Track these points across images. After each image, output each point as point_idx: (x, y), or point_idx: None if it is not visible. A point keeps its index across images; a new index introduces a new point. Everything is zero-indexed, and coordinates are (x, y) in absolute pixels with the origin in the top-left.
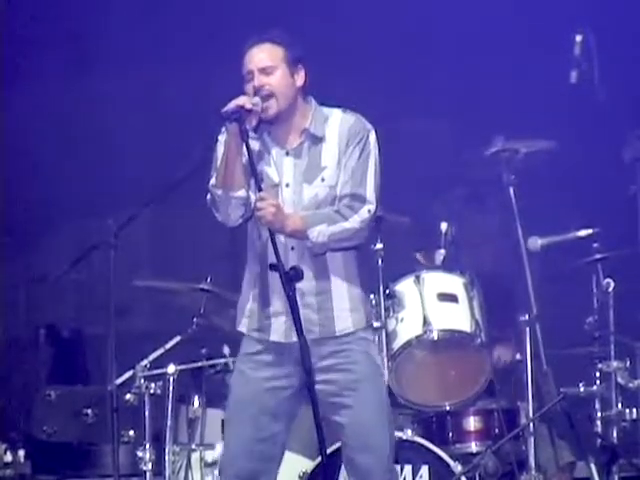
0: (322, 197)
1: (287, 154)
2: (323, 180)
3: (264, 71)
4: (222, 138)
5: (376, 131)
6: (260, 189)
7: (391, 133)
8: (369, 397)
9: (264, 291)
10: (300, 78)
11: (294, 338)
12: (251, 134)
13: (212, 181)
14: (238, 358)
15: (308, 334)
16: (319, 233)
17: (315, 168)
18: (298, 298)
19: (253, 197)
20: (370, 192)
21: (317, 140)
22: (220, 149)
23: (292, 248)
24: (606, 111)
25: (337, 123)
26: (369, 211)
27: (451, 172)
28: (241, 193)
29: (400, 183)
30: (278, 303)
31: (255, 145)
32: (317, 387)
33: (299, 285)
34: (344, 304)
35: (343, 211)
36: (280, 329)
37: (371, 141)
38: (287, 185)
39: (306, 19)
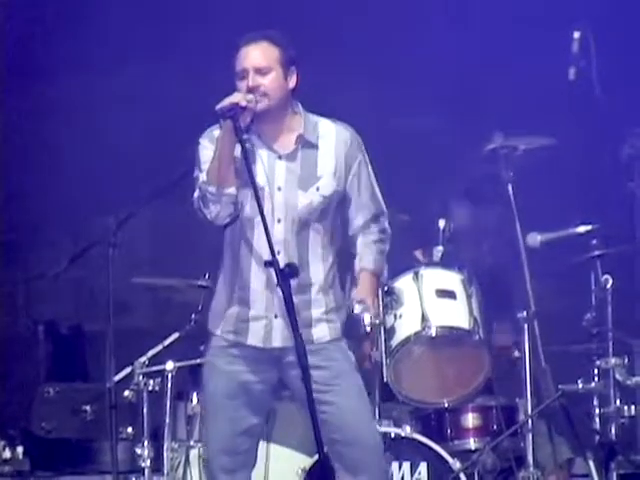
0: (315, 205)
1: (280, 158)
2: (318, 189)
3: (259, 71)
4: (204, 141)
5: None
6: (255, 185)
7: (390, 130)
8: (350, 392)
9: (245, 294)
10: (292, 80)
11: (274, 343)
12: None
13: (202, 178)
14: (209, 352)
15: (287, 341)
16: (386, 271)
17: (310, 176)
18: (279, 305)
19: (244, 196)
20: (383, 203)
21: (311, 147)
22: (204, 151)
23: (278, 252)
24: (604, 108)
25: (332, 134)
26: (388, 225)
27: (449, 169)
28: (232, 190)
29: (398, 180)
30: (259, 306)
31: None
32: (298, 384)
33: (279, 295)
34: (323, 313)
35: (384, 239)
36: (259, 333)
37: (365, 152)
38: (279, 189)
39: (306, 18)
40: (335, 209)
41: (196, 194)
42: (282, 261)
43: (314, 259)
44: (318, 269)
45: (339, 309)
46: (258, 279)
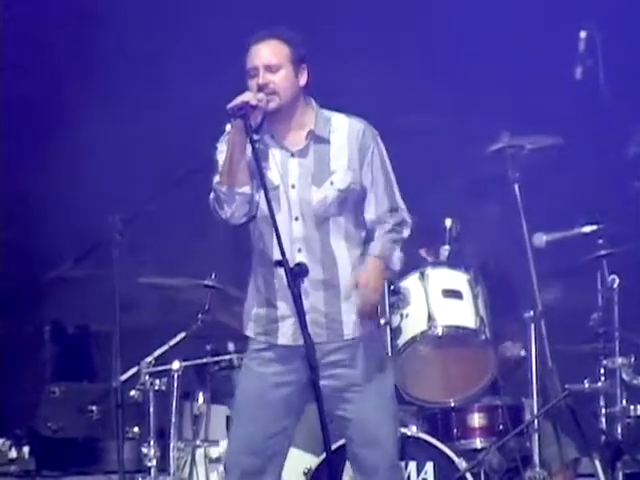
0: (330, 200)
1: (292, 155)
2: (332, 183)
3: (269, 69)
4: (221, 146)
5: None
6: (265, 184)
7: (396, 129)
8: (374, 393)
9: (270, 294)
10: (303, 78)
11: (302, 341)
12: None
13: (216, 179)
14: (246, 355)
15: (315, 337)
16: (398, 260)
17: (323, 171)
18: (306, 302)
19: (257, 196)
20: (400, 200)
21: (323, 142)
22: (220, 155)
23: (299, 250)
24: (611, 107)
25: (345, 128)
26: (408, 217)
27: (456, 168)
28: (245, 189)
29: (405, 179)
30: (285, 306)
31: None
32: (323, 382)
33: (308, 290)
34: (352, 308)
35: (397, 229)
36: (288, 332)
37: (381, 144)
38: (293, 186)
39: (309, 15)
40: (356, 201)
41: (211, 195)
42: (304, 259)
43: (339, 253)
44: (344, 262)
45: None
46: (281, 279)
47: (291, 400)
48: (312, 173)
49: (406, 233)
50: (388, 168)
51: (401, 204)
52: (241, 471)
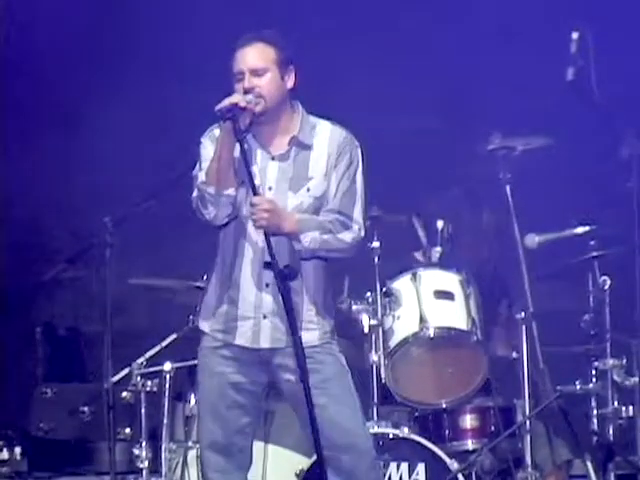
0: (306, 206)
1: (273, 159)
2: (309, 190)
3: (255, 72)
4: (205, 141)
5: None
6: (254, 187)
7: (388, 131)
8: (340, 396)
9: (234, 293)
10: (290, 80)
11: (262, 344)
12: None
13: (202, 178)
14: (201, 352)
15: (275, 343)
16: (312, 240)
17: (301, 177)
18: (267, 306)
19: (240, 196)
20: (358, 214)
21: (305, 148)
22: (205, 151)
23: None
24: (602, 108)
25: (327, 135)
26: (359, 229)
27: (448, 170)
28: (231, 191)
29: (397, 181)
30: (248, 306)
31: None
32: (285, 386)
33: (268, 295)
34: (312, 316)
35: (336, 224)
36: (247, 333)
37: (359, 158)
38: (270, 189)
39: (307, 17)
40: None
41: (195, 194)
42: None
43: (305, 260)
44: (309, 270)
45: (330, 311)
46: (249, 279)
47: (250, 399)
48: (290, 178)
49: (348, 236)
50: (357, 180)
51: (357, 217)
52: (214, 469)
